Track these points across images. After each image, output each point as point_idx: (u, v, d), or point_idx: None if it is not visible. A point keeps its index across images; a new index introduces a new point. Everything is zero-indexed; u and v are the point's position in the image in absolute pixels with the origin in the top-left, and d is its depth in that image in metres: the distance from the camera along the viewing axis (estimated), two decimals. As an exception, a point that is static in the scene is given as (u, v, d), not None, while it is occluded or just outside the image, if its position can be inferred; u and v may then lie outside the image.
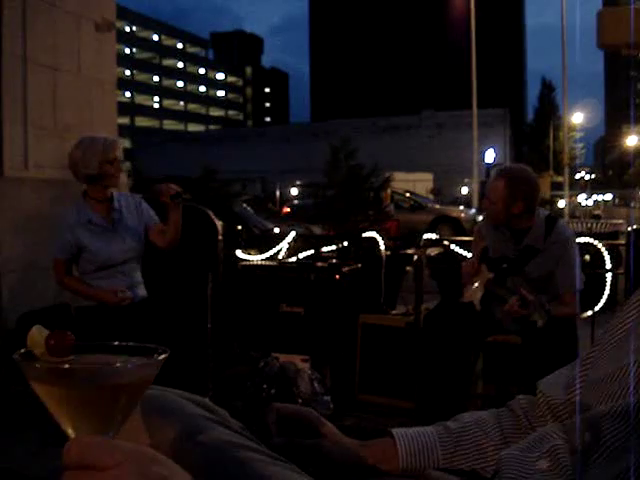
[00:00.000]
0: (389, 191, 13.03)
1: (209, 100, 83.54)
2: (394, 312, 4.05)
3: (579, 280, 2.83)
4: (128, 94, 67.55)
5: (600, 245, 5.24)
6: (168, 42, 76.02)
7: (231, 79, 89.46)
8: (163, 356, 0.58)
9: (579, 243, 3.25)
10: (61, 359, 0.56)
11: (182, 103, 78.02)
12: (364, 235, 5.29)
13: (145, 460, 0.52)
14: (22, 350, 0.57)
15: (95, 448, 0.51)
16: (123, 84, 58.01)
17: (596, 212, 25.98)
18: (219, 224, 3.62)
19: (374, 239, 4.94)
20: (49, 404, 0.55)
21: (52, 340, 0.56)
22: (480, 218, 3.45)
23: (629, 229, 5.66)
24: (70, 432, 0.55)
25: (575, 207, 29.60)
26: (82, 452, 0.51)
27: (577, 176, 34.09)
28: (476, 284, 2.95)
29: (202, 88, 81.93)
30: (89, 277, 2.92)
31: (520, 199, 2.79)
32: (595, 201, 38.69)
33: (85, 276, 2.93)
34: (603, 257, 5.31)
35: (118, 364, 0.56)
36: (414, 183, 23.72)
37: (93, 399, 0.54)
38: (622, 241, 6.11)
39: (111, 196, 2.99)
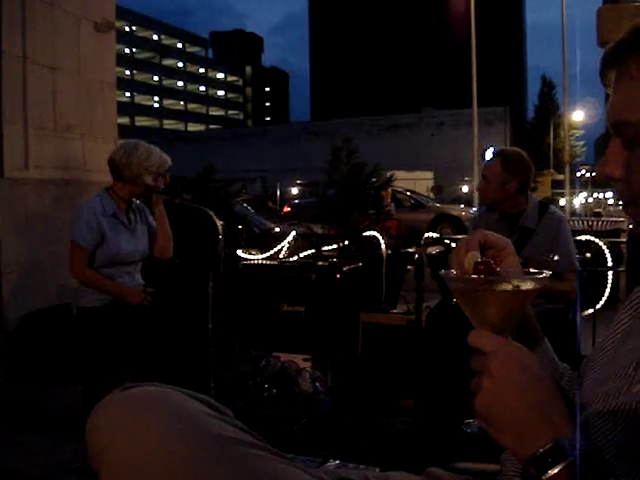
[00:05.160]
0: (390, 190, 13.01)
1: (209, 100, 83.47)
2: (395, 311, 4.04)
3: (576, 260, 2.89)
4: (128, 94, 67.52)
5: (601, 243, 5.23)
6: (168, 42, 75.94)
7: (231, 78, 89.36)
8: (544, 276, 0.79)
9: (580, 241, 3.27)
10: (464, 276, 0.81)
11: (182, 103, 77.95)
12: (365, 234, 5.29)
13: (513, 352, 0.74)
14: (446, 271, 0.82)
15: (481, 338, 0.76)
16: (123, 84, 57.96)
17: (597, 210, 25.95)
18: (219, 224, 3.62)
19: (375, 238, 4.95)
20: (465, 305, 0.80)
21: (481, 266, 0.81)
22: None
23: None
24: (477, 326, 0.79)
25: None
26: (474, 339, 0.75)
27: (578, 174, 33.98)
28: None
29: (202, 88, 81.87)
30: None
31: (515, 178, 2.88)
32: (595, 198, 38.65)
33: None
34: (604, 255, 5.30)
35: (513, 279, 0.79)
36: (414, 182, 23.69)
37: (492, 302, 0.78)
38: (623, 239, 6.10)
39: (130, 198, 3.07)
